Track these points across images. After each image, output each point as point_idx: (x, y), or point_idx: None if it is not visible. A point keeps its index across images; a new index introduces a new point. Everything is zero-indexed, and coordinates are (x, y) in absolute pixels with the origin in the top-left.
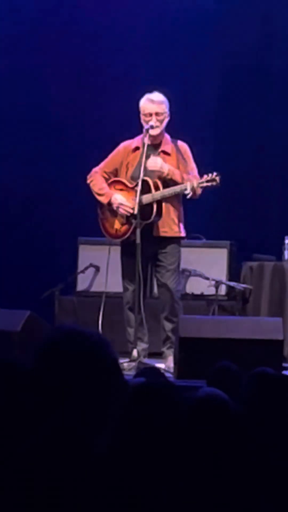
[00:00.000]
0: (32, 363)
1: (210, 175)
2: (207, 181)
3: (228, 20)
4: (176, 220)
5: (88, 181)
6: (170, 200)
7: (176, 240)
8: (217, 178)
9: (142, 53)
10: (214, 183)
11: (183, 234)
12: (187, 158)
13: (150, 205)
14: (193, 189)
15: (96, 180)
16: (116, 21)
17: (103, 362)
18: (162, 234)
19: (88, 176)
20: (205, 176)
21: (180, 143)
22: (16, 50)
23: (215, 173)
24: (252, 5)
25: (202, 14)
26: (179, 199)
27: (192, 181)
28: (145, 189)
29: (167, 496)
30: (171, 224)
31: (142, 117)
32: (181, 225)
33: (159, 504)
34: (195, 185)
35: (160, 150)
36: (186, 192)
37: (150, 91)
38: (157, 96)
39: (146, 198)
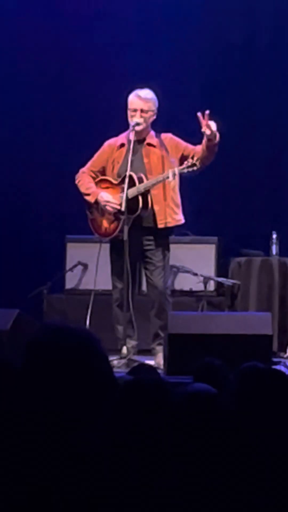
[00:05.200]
0: (21, 361)
1: (190, 160)
2: (188, 167)
3: (215, 12)
4: (176, 209)
5: (76, 182)
6: (165, 190)
7: (169, 232)
8: (197, 162)
9: (131, 49)
10: (195, 168)
11: (183, 220)
12: (175, 143)
13: (135, 198)
14: (174, 176)
15: (83, 180)
16: (104, 17)
17: (93, 359)
18: (165, 225)
19: (76, 177)
20: (185, 162)
21: (164, 135)
22: (1, 47)
23: (195, 158)
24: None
25: (190, 6)
26: (174, 187)
27: (173, 168)
28: (130, 183)
29: (159, 491)
30: (171, 214)
31: (128, 111)
32: (180, 212)
33: (152, 499)
34: (176, 172)
35: (145, 143)
36: (169, 180)
37: (141, 87)
38: (145, 93)
39: (131, 191)
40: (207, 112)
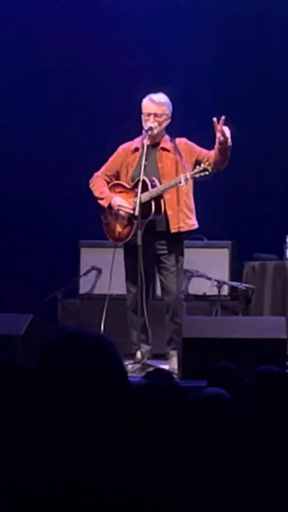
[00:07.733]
0: (36, 365)
1: (202, 165)
2: (200, 172)
3: (229, 15)
4: (189, 214)
5: (90, 186)
6: (178, 195)
7: (182, 237)
8: (209, 167)
9: (145, 53)
10: (206, 173)
11: (197, 225)
12: (190, 148)
13: (148, 203)
14: (186, 181)
15: (97, 184)
16: (118, 20)
17: (108, 364)
18: (178, 230)
19: (90, 181)
20: (197, 167)
21: (178, 140)
22: (15, 52)
23: (207, 163)
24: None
25: (203, 9)
26: (187, 192)
27: (186, 173)
28: (143, 188)
29: (171, 495)
30: (184, 218)
31: (142, 116)
32: (194, 217)
33: (164, 504)
34: (188, 177)
35: (159, 147)
36: (181, 184)
37: (155, 92)
38: (159, 97)
39: (144, 196)
40: (223, 117)
